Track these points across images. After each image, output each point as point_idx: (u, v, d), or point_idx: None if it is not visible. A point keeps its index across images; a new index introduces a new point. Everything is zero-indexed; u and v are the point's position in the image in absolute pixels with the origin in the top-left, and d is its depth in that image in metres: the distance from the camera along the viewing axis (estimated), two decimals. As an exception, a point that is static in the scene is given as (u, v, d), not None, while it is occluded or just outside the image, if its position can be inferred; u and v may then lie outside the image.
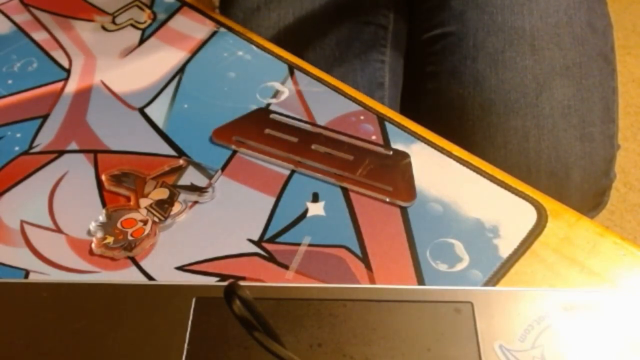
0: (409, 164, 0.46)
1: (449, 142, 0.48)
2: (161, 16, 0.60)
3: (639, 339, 0.34)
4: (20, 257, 0.43)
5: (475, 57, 0.61)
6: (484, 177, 0.46)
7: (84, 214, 0.45)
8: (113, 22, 0.59)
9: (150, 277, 0.41)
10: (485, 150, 0.60)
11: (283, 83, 0.53)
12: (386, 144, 0.48)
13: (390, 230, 0.43)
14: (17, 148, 0.49)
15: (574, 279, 0.40)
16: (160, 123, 0.51)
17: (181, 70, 0.55)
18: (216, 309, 0.36)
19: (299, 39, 0.64)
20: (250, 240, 0.43)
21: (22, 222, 0.45)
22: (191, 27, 0.59)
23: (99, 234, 0.43)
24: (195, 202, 0.45)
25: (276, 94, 0.52)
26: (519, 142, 0.59)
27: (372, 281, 0.40)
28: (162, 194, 0.45)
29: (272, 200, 0.45)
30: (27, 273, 0.42)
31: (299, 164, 0.47)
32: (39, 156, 0.49)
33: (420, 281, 0.40)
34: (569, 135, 0.59)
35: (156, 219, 0.44)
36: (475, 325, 0.35)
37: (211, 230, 0.43)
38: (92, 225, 0.43)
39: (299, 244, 0.42)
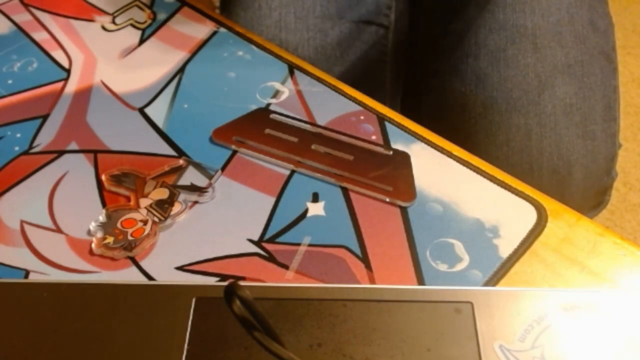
0: (409, 164, 0.46)
1: (450, 141, 0.48)
2: (161, 16, 0.60)
3: (639, 339, 0.34)
4: (20, 257, 0.43)
5: (477, 55, 0.61)
6: (484, 177, 0.45)
7: (84, 214, 0.45)
8: (113, 22, 0.59)
9: (150, 277, 0.41)
10: (487, 148, 0.60)
11: (283, 83, 0.53)
12: (386, 144, 0.48)
13: (390, 230, 0.43)
14: (17, 148, 0.49)
15: (574, 279, 0.40)
16: (160, 123, 0.51)
17: (181, 70, 0.55)
18: (216, 309, 0.36)
19: (299, 39, 0.64)
20: (250, 240, 0.43)
21: (22, 222, 0.45)
22: (191, 27, 0.58)
23: (99, 234, 0.43)
24: (195, 202, 0.45)
25: (276, 94, 0.52)
26: (521, 140, 0.59)
27: (372, 281, 0.40)
28: (162, 194, 0.45)
29: (272, 200, 0.45)
30: (27, 273, 0.42)
31: (299, 164, 0.47)
32: (39, 156, 0.49)
33: (420, 281, 0.40)
34: (571, 133, 0.59)
35: (156, 219, 0.44)
36: (475, 325, 0.35)
37: (211, 230, 0.43)
38: (92, 225, 0.43)
39: (299, 244, 0.42)
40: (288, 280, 0.41)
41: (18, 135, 0.50)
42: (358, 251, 0.42)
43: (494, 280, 0.40)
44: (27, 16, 0.60)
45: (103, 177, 0.47)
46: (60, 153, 0.49)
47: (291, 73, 0.54)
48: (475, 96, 0.61)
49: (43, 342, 0.35)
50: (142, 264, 0.42)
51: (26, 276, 0.42)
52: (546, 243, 0.42)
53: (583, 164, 0.60)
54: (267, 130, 0.49)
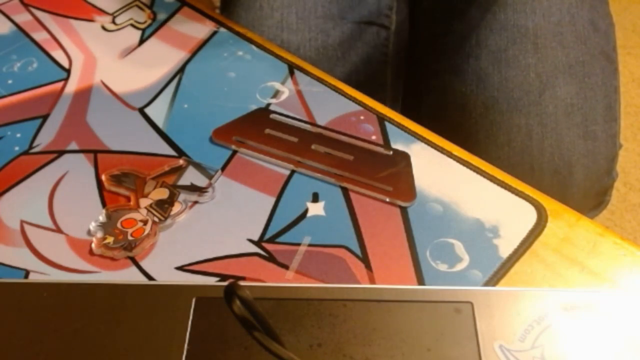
0: (409, 164, 0.46)
1: (450, 141, 0.48)
2: (161, 16, 0.60)
3: (639, 339, 0.34)
4: (20, 257, 0.43)
5: (478, 55, 0.61)
6: (484, 177, 0.45)
7: (84, 214, 0.45)
8: (113, 22, 0.59)
9: (150, 277, 0.41)
10: (488, 148, 0.60)
11: (283, 83, 0.53)
12: (386, 144, 0.48)
13: (390, 230, 0.43)
14: (17, 148, 0.49)
15: (574, 279, 0.40)
16: (160, 123, 0.51)
17: (181, 70, 0.55)
18: (216, 309, 0.36)
19: (301, 39, 0.64)
20: (250, 240, 0.43)
21: (22, 222, 0.45)
22: (191, 27, 0.58)
23: (99, 234, 0.43)
24: (195, 202, 0.45)
25: (276, 94, 0.52)
26: (522, 140, 0.59)
27: (372, 281, 0.40)
28: (162, 194, 0.45)
29: (272, 200, 0.45)
30: (27, 273, 0.42)
31: (299, 164, 0.47)
32: (39, 156, 0.49)
33: (420, 281, 0.40)
34: (572, 133, 0.59)
35: (156, 219, 0.44)
36: (475, 325, 0.35)
37: (211, 230, 0.43)
38: (92, 225, 0.43)
39: (299, 244, 0.42)
40: (288, 280, 0.41)
41: (18, 135, 0.50)
42: (358, 251, 0.42)
43: (494, 280, 0.40)
44: (27, 16, 0.60)
45: (103, 177, 0.47)
46: (60, 153, 0.49)
47: (291, 73, 0.54)
48: (476, 96, 0.61)
49: (43, 342, 0.35)
50: (142, 264, 0.42)
51: (26, 276, 0.42)
52: (546, 243, 0.42)
53: (584, 164, 0.60)
54: (267, 130, 0.49)
